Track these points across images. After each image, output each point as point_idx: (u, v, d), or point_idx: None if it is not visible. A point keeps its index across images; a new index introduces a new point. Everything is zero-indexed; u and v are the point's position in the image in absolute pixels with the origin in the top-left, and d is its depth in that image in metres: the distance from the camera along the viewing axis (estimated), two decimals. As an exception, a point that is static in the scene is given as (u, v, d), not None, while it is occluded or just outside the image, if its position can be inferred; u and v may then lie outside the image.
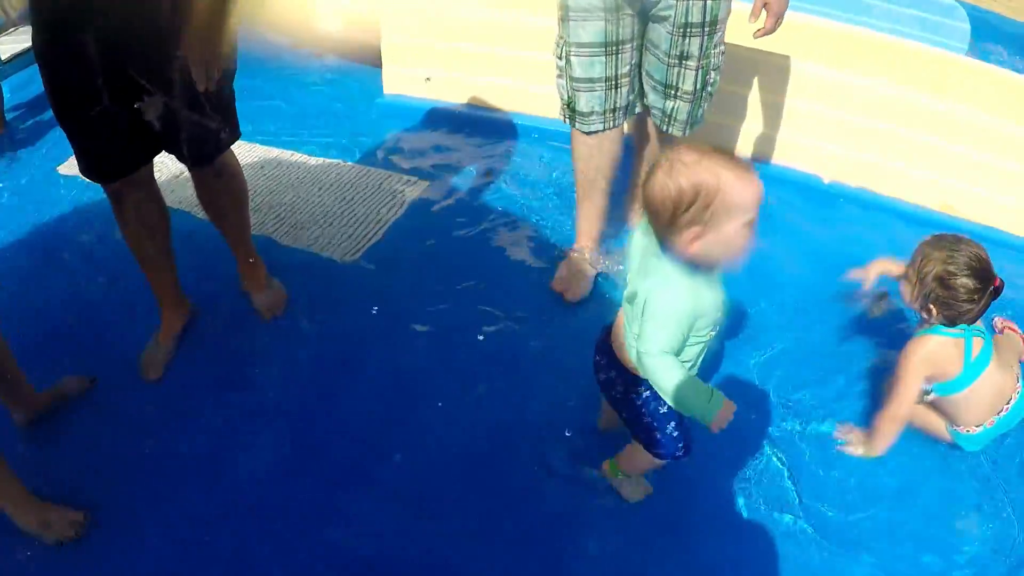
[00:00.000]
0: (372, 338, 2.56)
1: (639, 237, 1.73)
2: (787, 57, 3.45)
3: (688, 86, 2.49)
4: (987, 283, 2.09)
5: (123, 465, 2.16)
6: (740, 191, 1.46)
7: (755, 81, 3.42)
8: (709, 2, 2.35)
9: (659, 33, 2.40)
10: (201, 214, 2.59)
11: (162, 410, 2.31)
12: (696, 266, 1.56)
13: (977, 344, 2.18)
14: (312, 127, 3.60)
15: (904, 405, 2.22)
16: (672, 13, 2.33)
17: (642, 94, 2.61)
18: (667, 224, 1.51)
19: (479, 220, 3.05)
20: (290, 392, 2.38)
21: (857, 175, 3.54)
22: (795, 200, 3.31)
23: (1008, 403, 2.20)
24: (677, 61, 2.44)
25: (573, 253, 2.79)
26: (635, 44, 2.44)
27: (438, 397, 2.37)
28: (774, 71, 3.44)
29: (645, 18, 2.40)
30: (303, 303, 2.66)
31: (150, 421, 2.28)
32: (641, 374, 1.73)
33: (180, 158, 2.19)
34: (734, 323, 2.66)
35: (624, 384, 1.86)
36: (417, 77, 3.69)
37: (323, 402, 2.35)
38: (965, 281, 2.07)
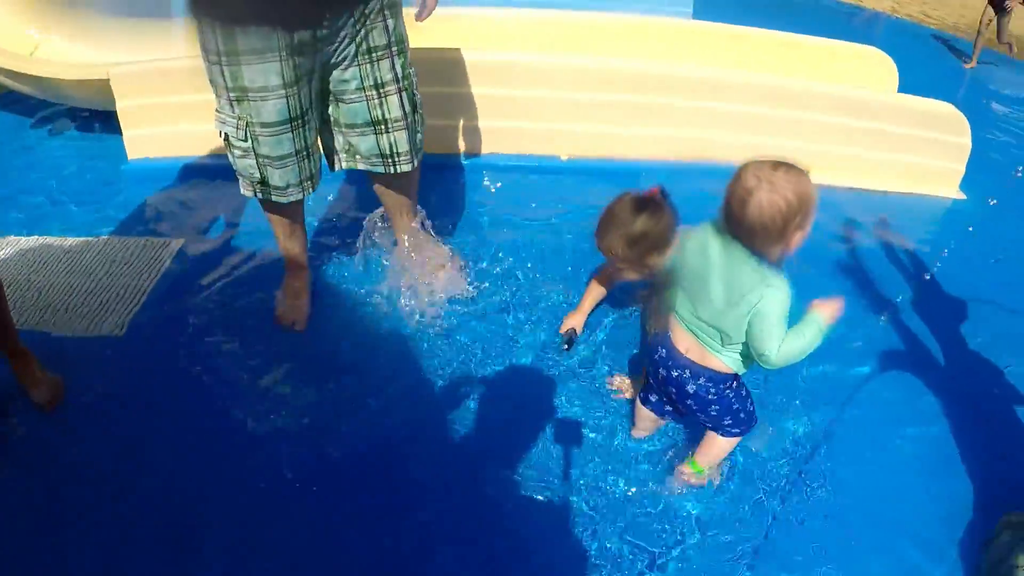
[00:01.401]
0: (155, 409, 2.47)
1: (715, 258, 1.85)
2: (513, 51, 3.62)
3: (397, 112, 2.43)
4: (651, 204, 2.16)
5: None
6: (815, 192, 1.71)
7: (476, 78, 3.57)
8: (389, 21, 2.32)
9: (344, 75, 2.33)
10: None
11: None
12: (781, 263, 1.80)
13: None
14: (59, 206, 3.42)
15: None
16: (351, 49, 2.28)
17: (354, 154, 2.54)
18: (778, 234, 1.70)
19: (239, 269, 3.01)
20: (91, 473, 2.28)
21: (593, 147, 3.75)
22: (538, 182, 3.53)
23: None
24: (375, 92, 2.37)
25: (290, 284, 2.78)
26: (316, 107, 2.37)
27: (236, 452, 2.33)
28: (496, 66, 3.60)
29: (326, 73, 2.33)
30: (80, 387, 2.52)
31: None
32: (735, 369, 2.00)
33: None
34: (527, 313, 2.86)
35: (715, 384, 2.01)
36: (159, 136, 3.60)
37: (123, 476, 2.27)
38: (640, 221, 2.14)
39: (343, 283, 2.96)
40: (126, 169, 3.60)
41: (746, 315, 1.82)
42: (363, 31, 2.27)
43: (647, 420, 2.34)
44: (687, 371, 2.02)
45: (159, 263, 3.02)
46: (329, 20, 2.17)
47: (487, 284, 2.96)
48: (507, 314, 2.84)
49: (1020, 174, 4.22)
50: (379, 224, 2.93)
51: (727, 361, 1.98)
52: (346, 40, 2.26)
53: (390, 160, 2.51)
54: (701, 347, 1.99)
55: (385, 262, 3.00)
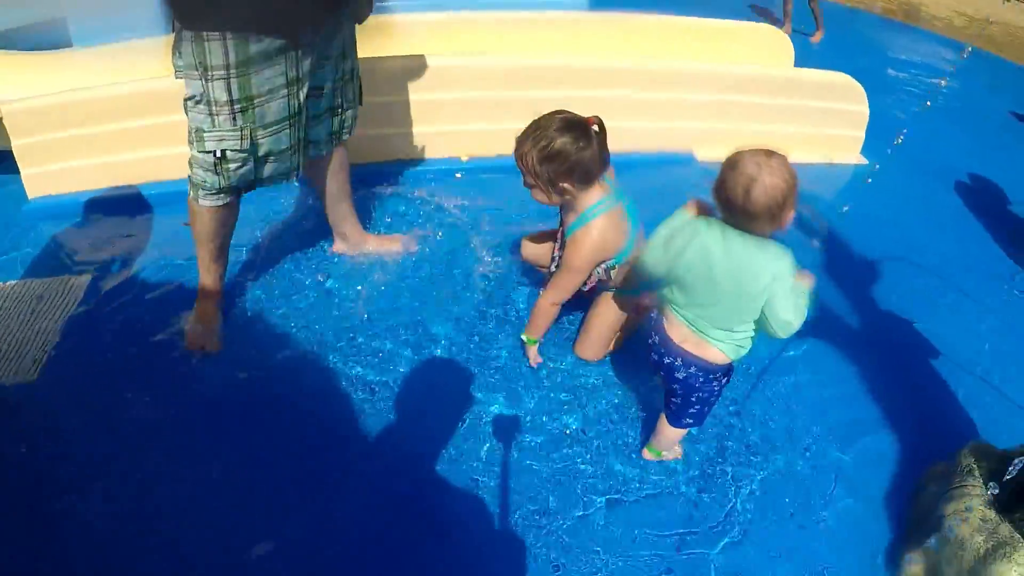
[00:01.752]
0: (81, 454, 2.39)
1: (715, 248, 1.89)
2: (405, 54, 3.61)
3: (350, 95, 2.71)
4: (581, 127, 2.14)
5: None
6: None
7: (369, 86, 3.55)
8: (353, 21, 2.57)
9: (326, 73, 2.51)
10: None
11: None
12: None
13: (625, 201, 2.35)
14: (-41, 252, 3.30)
15: (568, 294, 2.37)
16: (334, 49, 2.48)
17: (306, 145, 2.63)
18: (777, 214, 1.81)
19: (148, 301, 2.94)
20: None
21: (493, 146, 3.78)
22: (443, 185, 3.64)
23: None
24: (340, 83, 2.62)
25: (204, 308, 2.74)
26: (305, 105, 2.44)
27: (152, 492, 2.28)
28: (389, 71, 3.59)
29: (313, 72, 2.42)
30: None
31: None
32: (732, 357, 2.03)
33: None
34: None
35: (704, 373, 2.04)
36: (58, 172, 3.49)
37: (37, 523, 2.18)
38: (562, 139, 2.11)
39: (258, 300, 2.94)
40: (27, 209, 3.47)
41: (762, 294, 1.87)
42: (342, 34, 2.48)
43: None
44: (679, 359, 2.06)
45: (67, 301, 2.93)
46: (332, 20, 2.39)
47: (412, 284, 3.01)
48: (435, 313, 2.91)
49: (901, 140, 4.41)
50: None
51: (725, 348, 2.01)
52: (335, 41, 2.47)
53: (336, 135, 2.73)
54: (699, 337, 2.02)
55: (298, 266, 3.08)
